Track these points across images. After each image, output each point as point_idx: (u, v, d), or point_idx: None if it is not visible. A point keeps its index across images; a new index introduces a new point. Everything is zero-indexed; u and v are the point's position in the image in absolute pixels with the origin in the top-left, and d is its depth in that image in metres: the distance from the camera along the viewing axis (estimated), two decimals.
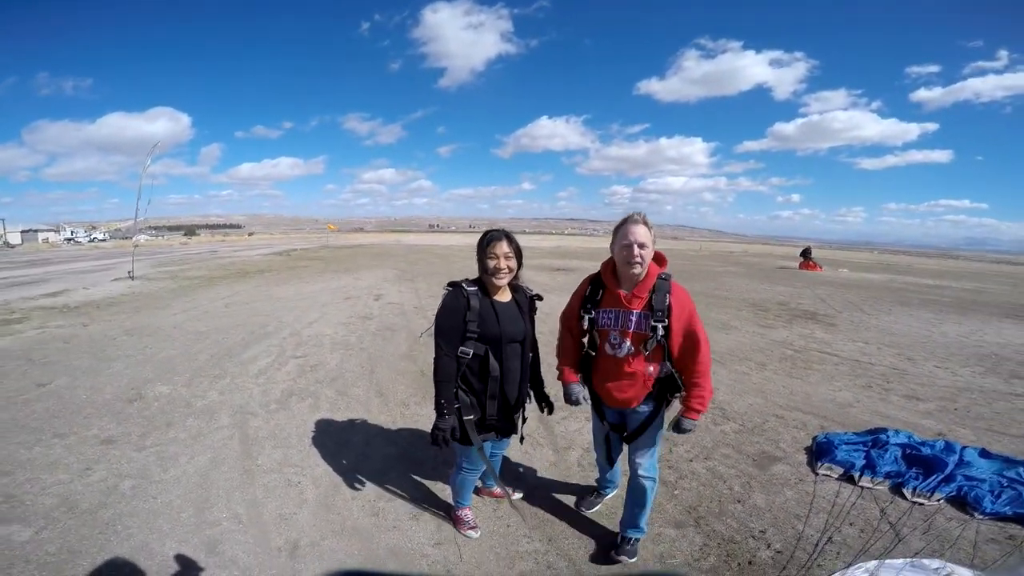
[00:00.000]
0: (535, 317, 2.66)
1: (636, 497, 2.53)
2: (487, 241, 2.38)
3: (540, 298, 2.68)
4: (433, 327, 2.41)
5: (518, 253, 2.42)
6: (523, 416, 2.67)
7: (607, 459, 2.74)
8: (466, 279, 2.47)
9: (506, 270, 2.37)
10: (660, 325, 2.23)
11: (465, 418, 2.38)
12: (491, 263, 2.34)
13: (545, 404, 2.77)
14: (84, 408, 4.36)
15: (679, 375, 2.33)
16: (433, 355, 2.41)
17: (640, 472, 2.46)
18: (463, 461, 2.60)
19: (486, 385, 2.41)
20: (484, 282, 2.43)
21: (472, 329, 2.33)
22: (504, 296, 2.48)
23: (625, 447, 2.56)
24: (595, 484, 3.13)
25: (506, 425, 2.55)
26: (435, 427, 2.34)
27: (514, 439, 2.72)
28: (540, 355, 2.78)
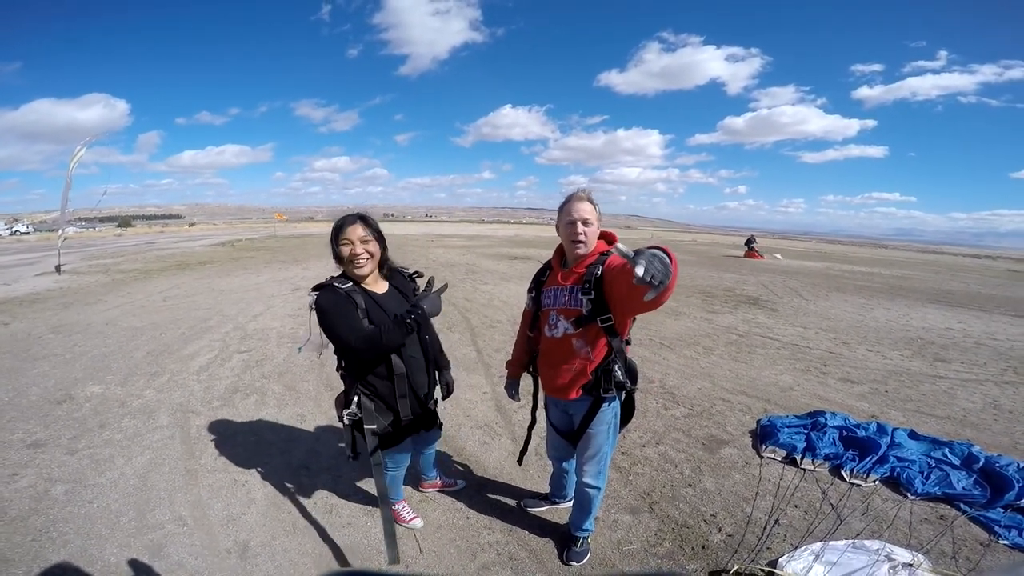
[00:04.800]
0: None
1: (580, 502, 2.46)
2: (338, 228, 2.13)
3: (419, 274, 2.47)
4: (310, 340, 2.12)
5: (379, 236, 2.19)
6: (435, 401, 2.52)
7: (553, 456, 2.71)
8: (331, 277, 2.19)
9: (364, 255, 2.12)
10: (586, 299, 2.06)
11: (368, 427, 2.19)
12: (345, 250, 2.10)
13: (444, 388, 2.59)
14: (7, 411, 4.06)
15: (622, 365, 2.18)
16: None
17: (585, 479, 2.35)
18: (386, 462, 2.40)
19: (393, 384, 2.19)
20: (352, 277, 2.16)
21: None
22: (379, 287, 2.25)
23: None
24: (548, 483, 2.99)
25: (424, 418, 2.40)
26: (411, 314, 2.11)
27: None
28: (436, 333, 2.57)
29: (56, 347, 5.97)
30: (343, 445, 2.23)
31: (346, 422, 2.27)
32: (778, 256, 24.07)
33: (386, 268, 2.31)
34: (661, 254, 1.47)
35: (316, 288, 2.14)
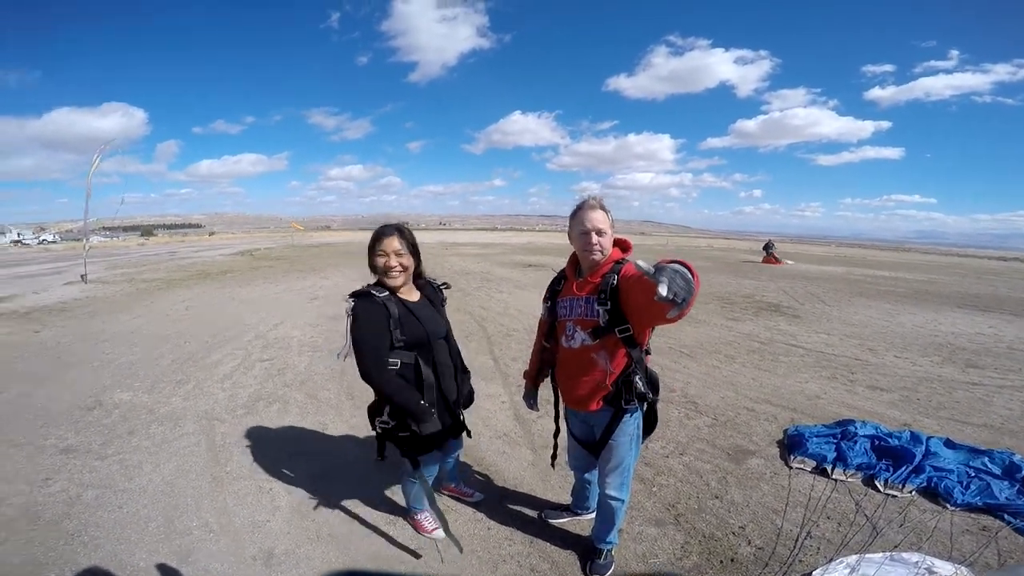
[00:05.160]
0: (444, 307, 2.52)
1: (603, 514, 2.42)
2: (375, 238, 2.21)
3: (447, 285, 2.56)
4: (349, 346, 2.16)
5: (413, 249, 2.26)
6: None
7: (574, 467, 2.68)
8: (368, 284, 2.27)
9: (398, 267, 2.19)
10: (603, 309, 2.03)
11: (401, 435, 2.25)
12: (380, 261, 2.19)
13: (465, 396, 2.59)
14: (40, 417, 4.15)
15: (643, 376, 2.14)
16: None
17: (608, 491, 2.32)
18: (411, 472, 2.45)
19: (423, 394, 2.23)
20: (387, 285, 2.23)
21: (398, 337, 2.16)
22: (412, 295, 2.32)
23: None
24: (571, 495, 2.94)
25: (453, 427, 2.43)
26: (423, 434, 2.20)
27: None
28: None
29: (85, 354, 6.10)
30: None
31: (378, 430, 2.31)
32: (789, 262, 23.76)
33: (422, 279, 2.40)
34: (683, 270, 1.44)
35: (353, 295, 2.20)
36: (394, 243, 2.19)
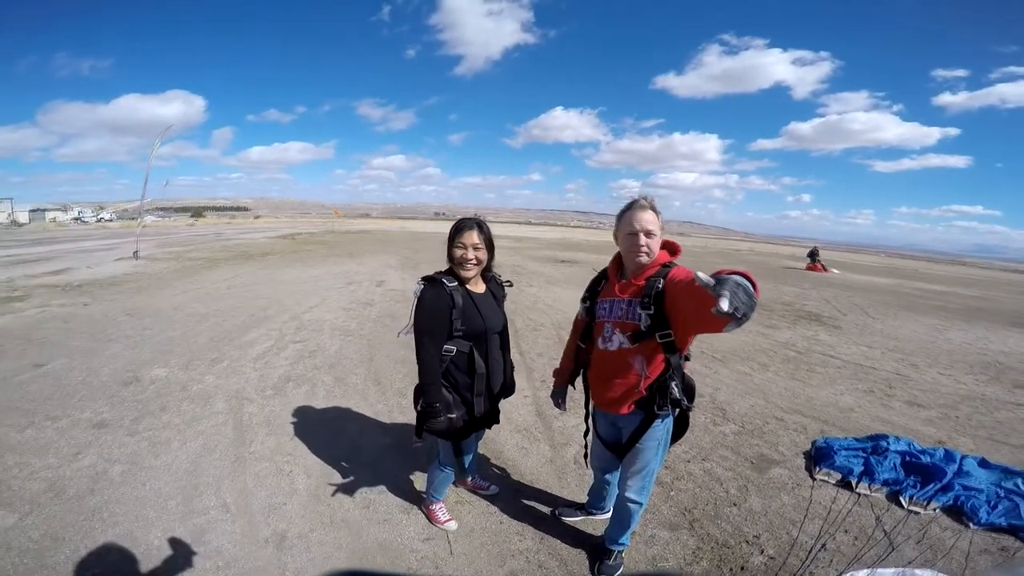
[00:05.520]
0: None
1: (619, 515, 2.39)
2: (456, 229, 2.29)
3: (510, 284, 2.65)
4: (411, 325, 2.28)
5: (489, 244, 2.34)
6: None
7: (596, 467, 2.65)
8: (439, 272, 2.35)
9: (474, 261, 2.28)
10: (645, 313, 1.98)
11: (448, 416, 2.31)
12: (458, 252, 2.27)
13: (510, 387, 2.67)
14: (79, 390, 4.35)
15: (679, 382, 2.09)
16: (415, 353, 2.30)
17: (627, 493, 2.28)
18: (443, 458, 2.57)
19: (473, 381, 2.33)
20: (457, 274, 2.33)
21: (458, 327, 2.24)
22: (479, 287, 2.40)
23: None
24: (587, 494, 2.90)
25: (492, 416, 2.52)
26: (428, 430, 2.32)
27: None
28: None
29: (128, 329, 6.37)
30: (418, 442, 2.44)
31: (420, 409, 2.37)
32: (835, 271, 22.88)
33: (489, 273, 2.48)
34: (745, 283, 1.35)
35: (425, 279, 2.29)
36: (473, 237, 2.27)
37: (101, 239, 23.02)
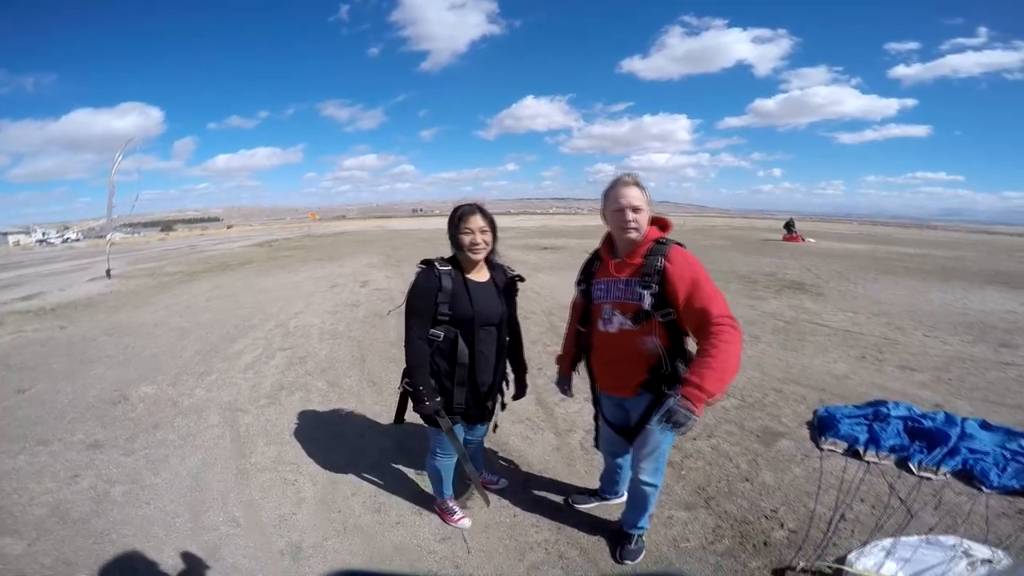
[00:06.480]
0: (516, 299, 2.54)
1: (635, 499, 2.37)
2: (460, 215, 2.24)
3: (522, 279, 2.56)
4: (404, 306, 2.27)
5: (493, 227, 2.30)
6: (501, 402, 2.59)
7: (606, 451, 2.62)
8: (440, 257, 2.33)
9: (483, 244, 2.24)
10: (647, 293, 1.95)
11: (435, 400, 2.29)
12: (466, 238, 2.22)
13: (519, 389, 2.68)
14: (67, 413, 4.20)
15: (680, 359, 2.05)
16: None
17: (641, 476, 2.25)
18: (436, 446, 2.49)
19: (453, 370, 2.28)
20: (460, 260, 2.30)
21: (443, 311, 2.20)
22: (481, 275, 2.36)
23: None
24: (599, 479, 2.87)
25: (476, 413, 2.44)
26: (418, 413, 2.29)
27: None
28: (522, 338, 2.66)
29: (110, 349, 6.18)
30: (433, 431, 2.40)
31: (401, 390, 2.36)
32: (811, 240, 23.29)
33: (493, 259, 2.42)
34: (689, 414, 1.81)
35: (423, 262, 2.31)
36: (479, 221, 2.23)
37: (70, 260, 22.35)
